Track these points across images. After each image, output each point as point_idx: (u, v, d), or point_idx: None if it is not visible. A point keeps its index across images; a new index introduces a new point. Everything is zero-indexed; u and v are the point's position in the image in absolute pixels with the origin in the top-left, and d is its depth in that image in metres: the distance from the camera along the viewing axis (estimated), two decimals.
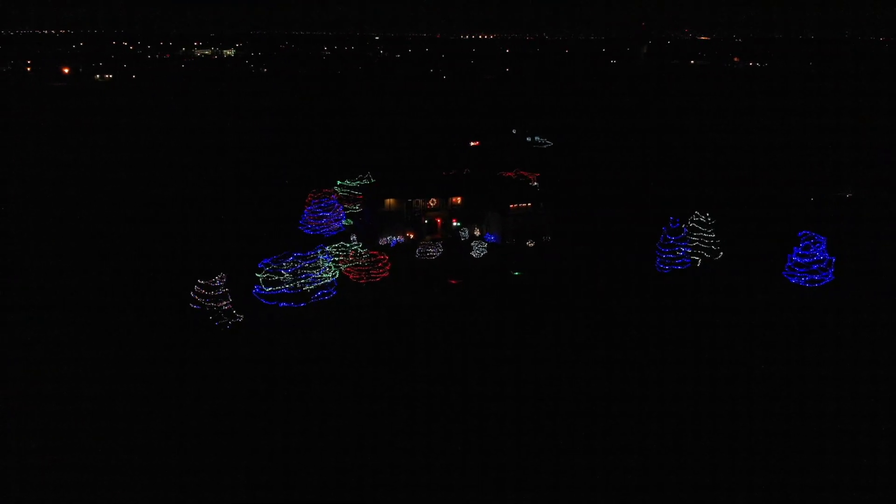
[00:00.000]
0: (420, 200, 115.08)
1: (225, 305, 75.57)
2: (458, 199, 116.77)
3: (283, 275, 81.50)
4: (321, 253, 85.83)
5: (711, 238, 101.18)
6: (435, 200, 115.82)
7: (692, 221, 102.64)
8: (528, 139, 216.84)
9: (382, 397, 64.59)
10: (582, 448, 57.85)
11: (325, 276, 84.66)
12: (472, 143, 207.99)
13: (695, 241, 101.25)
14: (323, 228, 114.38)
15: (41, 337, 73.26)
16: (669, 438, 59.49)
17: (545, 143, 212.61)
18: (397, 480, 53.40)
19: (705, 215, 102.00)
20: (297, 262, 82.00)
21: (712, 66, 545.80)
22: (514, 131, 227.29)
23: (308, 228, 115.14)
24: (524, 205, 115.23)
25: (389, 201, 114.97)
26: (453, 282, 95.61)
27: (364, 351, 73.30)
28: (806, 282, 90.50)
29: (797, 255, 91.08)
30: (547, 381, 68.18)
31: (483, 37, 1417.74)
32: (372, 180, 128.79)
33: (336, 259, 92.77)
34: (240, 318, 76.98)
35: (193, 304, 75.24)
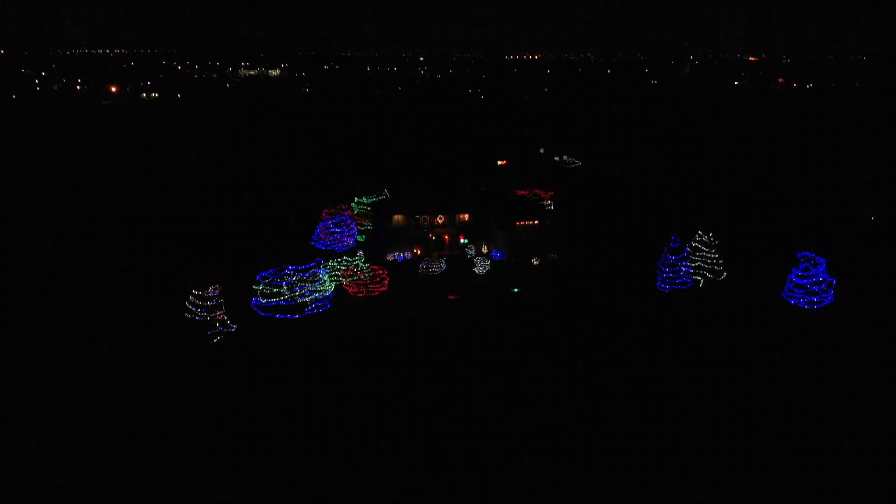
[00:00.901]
0: (427, 217, 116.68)
1: (218, 316, 77.76)
2: (466, 216, 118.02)
3: (279, 288, 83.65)
4: (318, 266, 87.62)
5: (714, 258, 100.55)
6: (442, 217, 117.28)
7: (695, 241, 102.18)
8: (556, 158, 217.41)
9: (366, 400, 67.00)
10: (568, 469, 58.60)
11: (320, 288, 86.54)
12: (499, 162, 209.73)
13: (697, 260, 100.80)
14: (335, 244, 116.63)
15: (41, 338, 76.80)
16: (662, 457, 59.99)
17: (573, 163, 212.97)
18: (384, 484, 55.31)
19: (708, 235, 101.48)
20: (293, 275, 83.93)
21: (754, 87, 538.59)
22: (541, 151, 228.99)
23: (320, 244, 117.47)
24: (530, 222, 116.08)
25: (397, 217, 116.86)
26: (452, 297, 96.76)
27: (351, 358, 75.43)
28: (805, 303, 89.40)
29: (796, 276, 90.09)
30: (535, 398, 68.98)
31: (527, 57, 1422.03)
32: (388, 197, 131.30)
33: (335, 273, 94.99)
34: (233, 328, 79.24)
35: (187, 314, 77.52)
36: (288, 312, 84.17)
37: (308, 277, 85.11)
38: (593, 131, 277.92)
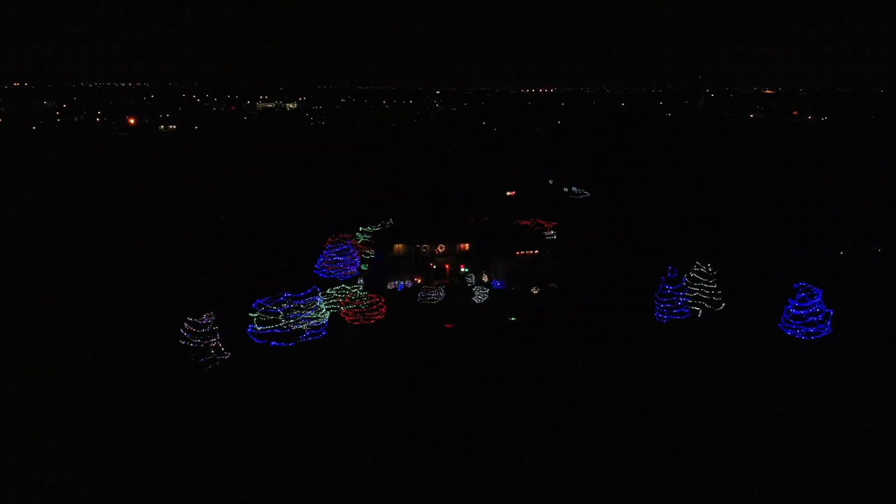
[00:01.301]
0: (427, 246, 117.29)
1: (213, 342, 78.38)
2: (466, 246, 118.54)
3: (274, 315, 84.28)
4: (314, 294, 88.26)
5: (712, 288, 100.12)
6: (443, 246, 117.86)
7: (693, 272, 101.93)
8: (565, 189, 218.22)
9: (356, 421, 67.96)
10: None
11: (316, 316, 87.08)
12: (508, 193, 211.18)
13: (695, 291, 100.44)
14: (337, 272, 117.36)
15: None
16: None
17: (582, 194, 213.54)
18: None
19: (706, 266, 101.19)
20: (287, 303, 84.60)
21: (769, 119, 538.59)
22: (550, 182, 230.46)
23: (323, 272, 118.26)
24: (530, 252, 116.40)
25: (398, 246, 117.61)
26: (448, 325, 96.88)
27: (340, 383, 76.10)
28: (802, 334, 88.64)
29: (793, 307, 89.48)
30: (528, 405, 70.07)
31: (543, 90, 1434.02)
32: (392, 226, 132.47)
33: (332, 301, 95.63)
34: (227, 355, 79.82)
35: (181, 341, 78.20)
36: (283, 340, 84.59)
37: (303, 305, 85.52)
38: (604, 163, 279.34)
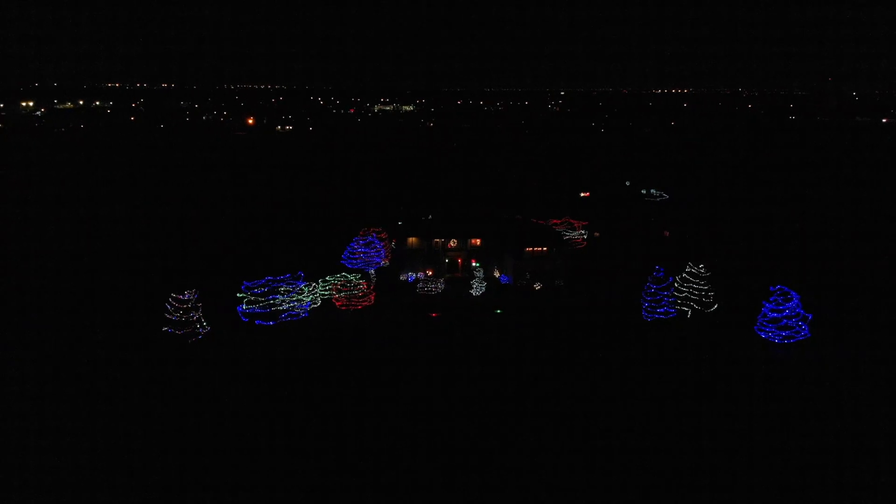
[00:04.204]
0: (439, 240, 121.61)
1: (194, 317, 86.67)
2: (478, 241, 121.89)
3: (257, 295, 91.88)
4: (298, 279, 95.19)
5: (703, 289, 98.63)
6: (455, 241, 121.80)
7: (685, 272, 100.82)
8: (643, 192, 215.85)
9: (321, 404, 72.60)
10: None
11: (297, 298, 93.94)
12: (582, 194, 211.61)
13: (684, 291, 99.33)
14: (360, 263, 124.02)
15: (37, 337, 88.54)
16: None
17: (660, 196, 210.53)
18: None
19: (698, 266, 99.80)
20: (266, 286, 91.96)
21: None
22: (627, 183, 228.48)
23: (349, 263, 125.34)
24: (539, 249, 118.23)
25: (411, 240, 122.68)
26: (434, 315, 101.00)
27: (302, 361, 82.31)
28: (776, 337, 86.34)
29: (768, 309, 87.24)
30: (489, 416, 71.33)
31: (676, 91, 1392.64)
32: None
33: (328, 287, 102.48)
34: (207, 329, 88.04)
35: (166, 315, 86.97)
36: (264, 319, 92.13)
37: (283, 288, 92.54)
38: (708, 166, 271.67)
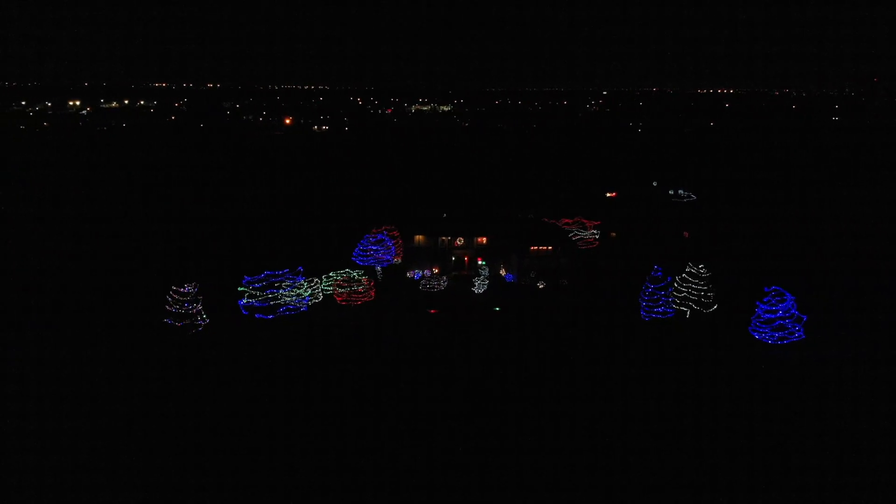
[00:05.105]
0: (446, 238, 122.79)
1: (192, 310, 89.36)
2: (484, 239, 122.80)
3: (256, 290, 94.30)
4: (297, 275, 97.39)
5: (702, 289, 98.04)
6: (461, 239, 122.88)
7: (685, 272, 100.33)
8: (671, 192, 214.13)
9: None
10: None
11: (296, 292, 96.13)
12: (608, 194, 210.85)
13: (683, 291, 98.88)
14: (370, 259, 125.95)
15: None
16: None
17: (688, 197, 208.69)
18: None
19: (697, 266, 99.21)
20: (265, 280, 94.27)
21: None
22: (654, 184, 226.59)
23: (360, 260, 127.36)
24: (544, 248, 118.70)
25: (418, 237, 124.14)
26: (432, 311, 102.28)
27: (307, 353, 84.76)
28: (769, 338, 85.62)
29: (762, 311, 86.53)
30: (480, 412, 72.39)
31: (721, 91, 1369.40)
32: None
33: (331, 282, 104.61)
34: (206, 320, 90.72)
35: (167, 307, 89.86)
36: (263, 312, 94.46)
37: (282, 283, 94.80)
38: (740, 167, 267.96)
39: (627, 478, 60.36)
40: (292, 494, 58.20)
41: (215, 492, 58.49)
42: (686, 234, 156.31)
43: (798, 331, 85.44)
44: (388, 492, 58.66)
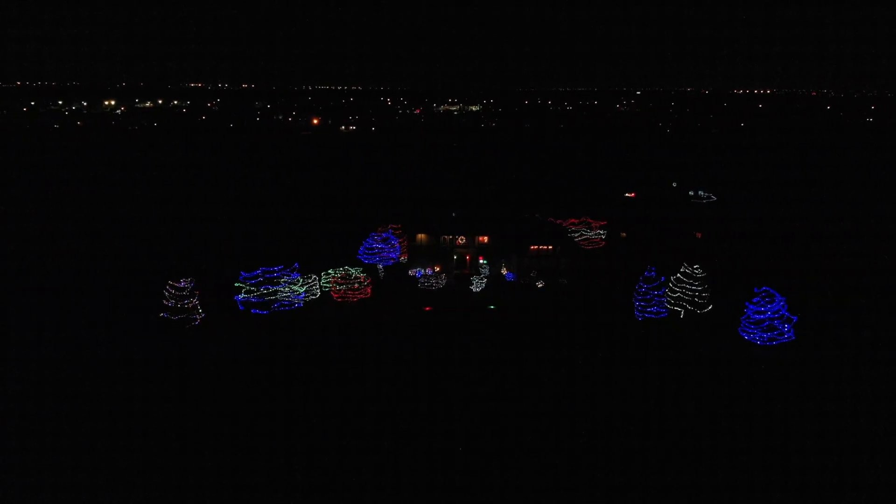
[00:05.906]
0: (447, 237, 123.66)
1: (188, 304, 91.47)
2: (485, 238, 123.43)
3: (252, 286, 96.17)
4: (293, 271, 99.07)
5: (697, 290, 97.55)
6: (463, 238, 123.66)
7: (680, 272, 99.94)
8: (691, 193, 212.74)
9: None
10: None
11: (292, 289, 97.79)
12: (626, 195, 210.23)
13: (677, 291, 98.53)
14: (374, 258, 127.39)
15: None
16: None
17: (708, 198, 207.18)
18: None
19: (692, 267, 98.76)
20: (261, 276, 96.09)
21: None
22: (674, 185, 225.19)
23: (365, 258, 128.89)
24: (544, 247, 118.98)
25: (420, 236, 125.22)
26: (428, 308, 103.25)
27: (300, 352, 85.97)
28: (758, 339, 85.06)
29: (752, 311, 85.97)
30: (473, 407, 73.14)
31: (758, 92, 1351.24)
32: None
33: (321, 278, 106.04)
34: (203, 315, 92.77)
35: (164, 301, 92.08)
36: (259, 308, 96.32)
37: (277, 279, 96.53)
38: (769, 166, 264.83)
39: (627, 478, 60.66)
40: (292, 494, 58.85)
41: (213, 491, 59.18)
42: (699, 234, 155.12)
43: (788, 332, 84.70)
44: (388, 492, 59.28)
